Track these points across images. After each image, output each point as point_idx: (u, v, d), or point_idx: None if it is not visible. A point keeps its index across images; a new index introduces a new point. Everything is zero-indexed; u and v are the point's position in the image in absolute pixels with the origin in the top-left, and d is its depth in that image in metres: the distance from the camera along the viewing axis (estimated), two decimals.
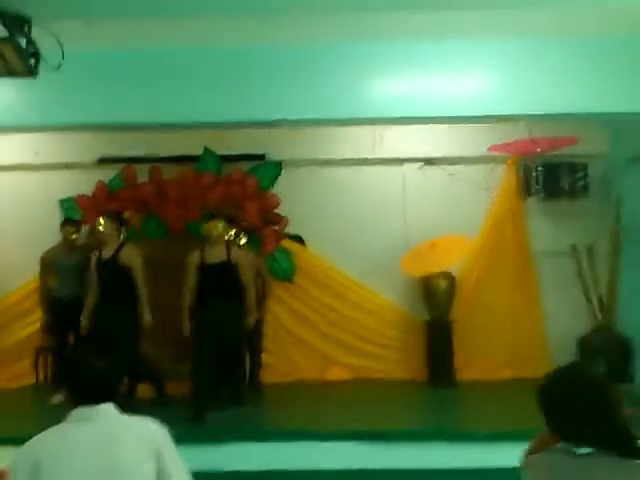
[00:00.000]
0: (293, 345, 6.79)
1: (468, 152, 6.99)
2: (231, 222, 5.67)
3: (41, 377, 6.38)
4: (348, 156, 7.03)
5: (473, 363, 6.67)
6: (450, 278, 6.70)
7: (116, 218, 5.43)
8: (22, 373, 6.59)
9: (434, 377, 6.49)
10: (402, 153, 7.03)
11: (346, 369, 6.70)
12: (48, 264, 6.16)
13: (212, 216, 5.46)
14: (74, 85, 4.84)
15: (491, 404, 5.63)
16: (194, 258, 5.27)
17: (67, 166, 6.95)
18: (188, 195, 6.61)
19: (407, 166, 7.12)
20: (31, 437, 2.17)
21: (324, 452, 4.54)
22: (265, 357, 6.38)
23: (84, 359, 2.30)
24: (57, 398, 5.41)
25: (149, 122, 5.15)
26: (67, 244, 6.16)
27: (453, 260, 6.70)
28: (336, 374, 6.64)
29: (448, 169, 7.07)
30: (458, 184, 7.00)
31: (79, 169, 6.95)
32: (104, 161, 6.91)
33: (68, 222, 6.20)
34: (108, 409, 2.20)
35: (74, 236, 6.04)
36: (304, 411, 5.17)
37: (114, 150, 6.86)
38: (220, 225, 5.33)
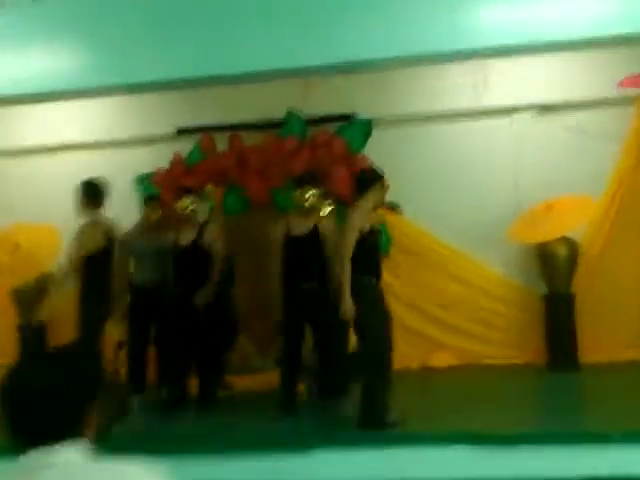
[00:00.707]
0: None
1: (591, 95, 5.99)
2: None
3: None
4: (446, 108, 6.20)
5: (599, 343, 5.79)
6: (571, 245, 5.79)
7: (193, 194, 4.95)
8: None
9: (554, 360, 5.69)
10: (511, 100, 6.15)
11: (452, 354, 5.99)
12: (126, 247, 5.45)
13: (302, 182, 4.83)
14: (122, 37, 4.38)
15: (626, 393, 4.75)
16: (279, 228, 4.67)
17: (144, 140, 6.58)
18: (270, 162, 6.05)
19: (517, 116, 6.19)
20: None
21: (427, 459, 3.91)
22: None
23: (26, 371, 1.42)
24: (135, 401, 5.09)
25: (215, 74, 4.70)
26: (148, 225, 5.53)
27: (574, 224, 5.79)
28: (441, 360, 5.96)
29: (567, 117, 6.07)
30: (579, 135, 6.01)
31: (157, 143, 6.55)
32: (183, 132, 6.48)
33: (151, 200, 5.56)
34: (68, 455, 1.39)
35: (157, 216, 5.51)
36: (403, 407, 4.55)
37: (194, 120, 6.43)
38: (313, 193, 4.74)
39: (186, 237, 4.86)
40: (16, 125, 6.74)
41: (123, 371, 5.57)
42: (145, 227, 5.52)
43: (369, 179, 4.31)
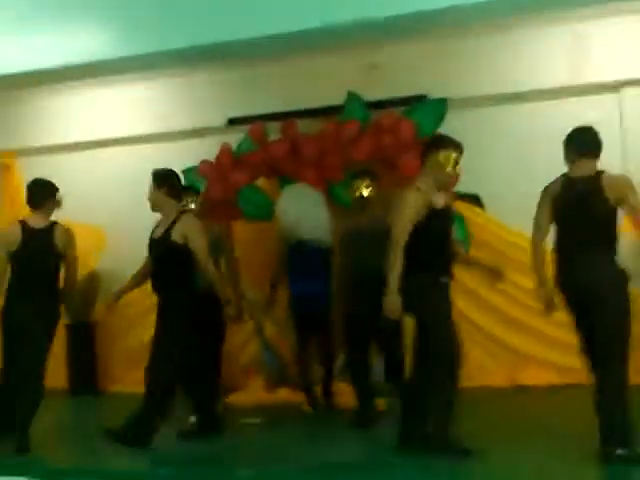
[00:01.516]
0: (470, 338, 5.05)
1: None
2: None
3: None
4: (537, 87, 5.28)
5: None
6: None
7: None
8: None
9: None
10: (616, 73, 5.15)
11: (548, 370, 4.93)
12: None
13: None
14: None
15: None
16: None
17: (194, 132, 6.13)
18: (327, 151, 5.30)
19: (625, 91, 5.16)
20: None
21: None
22: None
23: None
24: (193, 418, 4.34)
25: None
26: None
27: None
28: (534, 377, 4.94)
29: None
30: None
31: (208, 134, 6.05)
32: (235, 122, 5.95)
33: (186, 191, 4.91)
34: None
35: (192, 206, 4.91)
36: (489, 436, 3.48)
37: (246, 109, 5.89)
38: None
39: (159, 229, 3.94)
40: (60, 120, 6.39)
41: None
42: None
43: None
